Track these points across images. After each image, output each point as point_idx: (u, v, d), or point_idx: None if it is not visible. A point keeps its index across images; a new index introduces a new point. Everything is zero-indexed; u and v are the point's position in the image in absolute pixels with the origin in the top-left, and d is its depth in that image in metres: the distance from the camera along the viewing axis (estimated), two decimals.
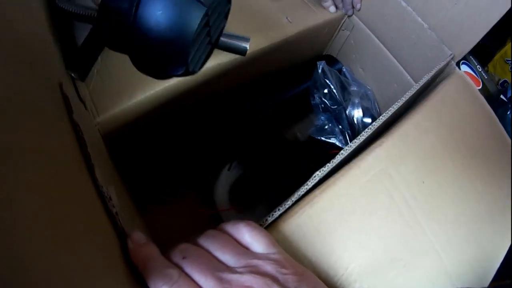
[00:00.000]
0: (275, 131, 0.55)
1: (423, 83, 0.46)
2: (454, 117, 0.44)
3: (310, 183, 0.32)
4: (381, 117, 0.38)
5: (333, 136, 0.55)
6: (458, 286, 0.36)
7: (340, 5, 0.57)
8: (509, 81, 0.70)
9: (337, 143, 0.54)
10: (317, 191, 0.33)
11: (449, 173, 0.40)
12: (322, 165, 0.33)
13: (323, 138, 0.54)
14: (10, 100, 0.21)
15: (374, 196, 0.35)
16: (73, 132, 0.31)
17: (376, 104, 0.61)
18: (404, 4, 0.51)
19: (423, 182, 0.38)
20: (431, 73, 0.47)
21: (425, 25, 0.50)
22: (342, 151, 0.35)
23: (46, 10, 0.42)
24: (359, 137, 0.36)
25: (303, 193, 0.32)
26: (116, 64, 0.42)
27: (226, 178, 0.48)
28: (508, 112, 0.61)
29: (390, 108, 0.39)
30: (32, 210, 0.18)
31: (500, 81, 0.72)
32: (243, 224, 0.28)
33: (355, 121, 0.56)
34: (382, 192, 0.35)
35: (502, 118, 0.63)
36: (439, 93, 0.44)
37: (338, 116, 0.56)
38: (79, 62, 0.40)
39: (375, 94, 0.62)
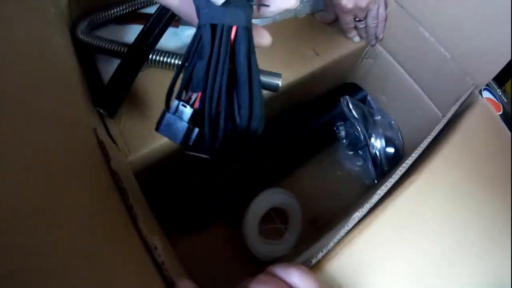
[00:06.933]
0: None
1: (450, 115, 0.46)
2: (478, 151, 0.44)
3: (350, 224, 0.33)
4: (413, 154, 0.38)
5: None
6: None
7: (364, 35, 0.57)
8: None
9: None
10: (355, 232, 0.34)
11: (474, 206, 0.40)
12: None
13: None
14: (41, 157, 0.20)
15: (407, 235, 0.35)
16: (113, 181, 0.31)
17: (399, 134, 0.61)
18: (427, 34, 0.51)
19: (451, 217, 0.38)
20: (456, 105, 0.47)
21: (448, 56, 0.50)
22: (379, 191, 0.35)
23: (69, 47, 0.41)
24: (394, 176, 0.36)
25: (343, 234, 0.33)
26: (144, 102, 0.42)
27: (255, 208, 0.47)
28: None
29: (421, 145, 0.40)
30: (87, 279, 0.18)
31: None
32: (294, 268, 0.28)
33: (377, 153, 0.57)
34: (414, 231, 0.35)
35: None
36: (464, 126, 0.45)
37: (361, 149, 0.57)
38: (109, 97, 0.39)
39: (398, 124, 0.62)
